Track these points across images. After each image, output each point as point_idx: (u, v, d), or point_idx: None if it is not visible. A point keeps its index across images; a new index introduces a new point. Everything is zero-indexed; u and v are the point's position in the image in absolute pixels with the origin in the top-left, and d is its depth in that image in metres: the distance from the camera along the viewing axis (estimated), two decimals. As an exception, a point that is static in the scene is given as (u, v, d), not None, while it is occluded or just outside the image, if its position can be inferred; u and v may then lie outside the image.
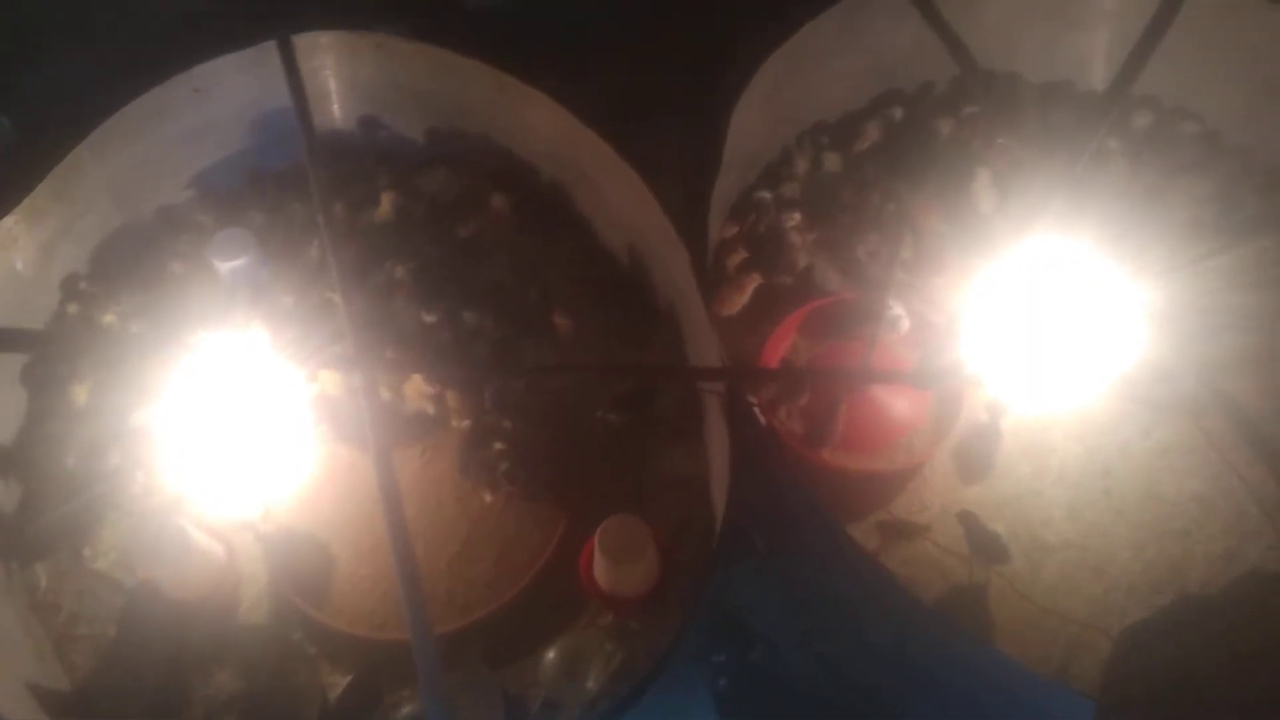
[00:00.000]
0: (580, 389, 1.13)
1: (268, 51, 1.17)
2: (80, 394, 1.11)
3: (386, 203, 1.21)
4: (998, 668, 0.86)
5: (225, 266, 1.14)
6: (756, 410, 0.97)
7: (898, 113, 1.32)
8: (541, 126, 1.18)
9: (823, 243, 1.25)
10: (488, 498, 1.08)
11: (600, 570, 1.00)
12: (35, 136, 1.20)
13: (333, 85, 1.26)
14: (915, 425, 1.16)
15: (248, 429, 0.98)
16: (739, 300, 1.23)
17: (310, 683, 0.99)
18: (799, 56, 1.17)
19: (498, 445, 1.10)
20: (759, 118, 1.19)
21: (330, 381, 1.09)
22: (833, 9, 1.15)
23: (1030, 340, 1.13)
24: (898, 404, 1.13)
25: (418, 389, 1.08)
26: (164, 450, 1.01)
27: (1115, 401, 1.14)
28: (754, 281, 1.22)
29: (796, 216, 1.24)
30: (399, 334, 1.13)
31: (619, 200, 1.14)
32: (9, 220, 1.05)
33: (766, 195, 1.27)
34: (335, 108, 1.28)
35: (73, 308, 1.16)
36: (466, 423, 1.10)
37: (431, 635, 0.79)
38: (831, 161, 1.29)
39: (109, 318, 1.16)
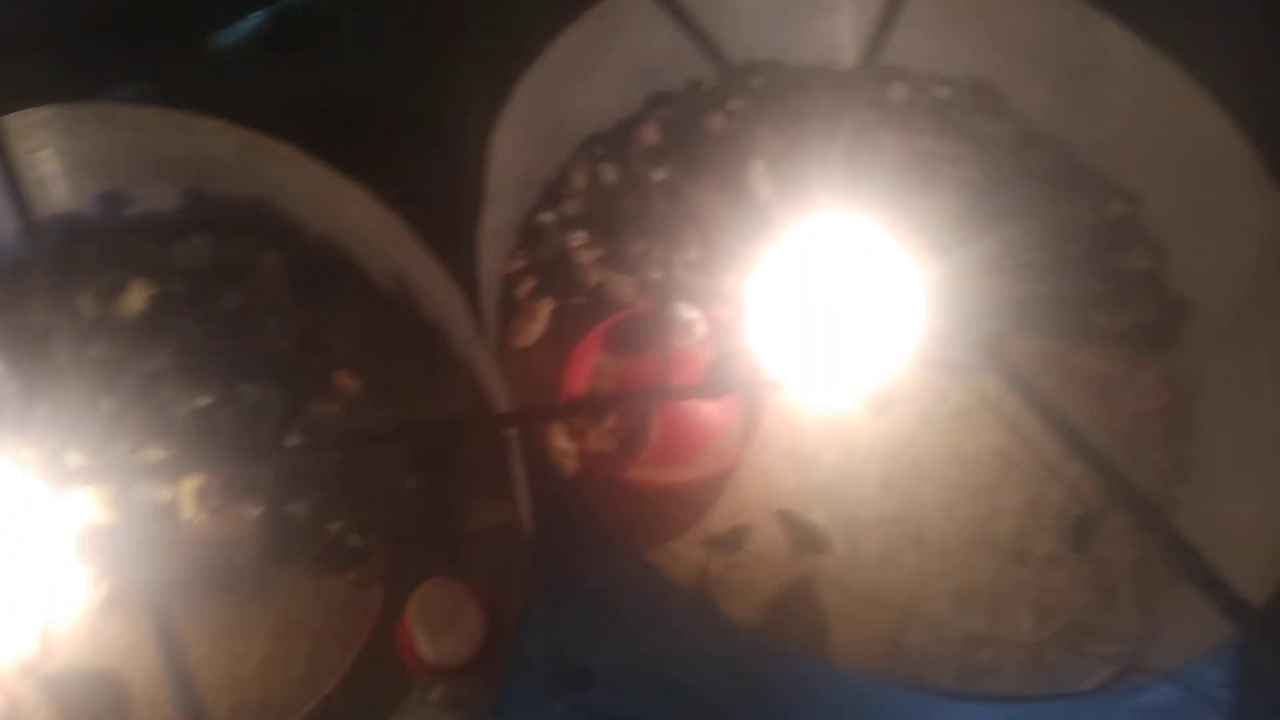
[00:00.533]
0: (379, 453, 1.08)
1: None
2: None
3: (137, 290, 1.12)
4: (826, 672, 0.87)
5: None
6: (549, 448, 0.94)
7: (667, 113, 1.31)
8: (295, 180, 1.11)
9: (611, 257, 1.23)
10: (294, 585, 1.01)
11: (421, 642, 0.95)
12: None
13: (60, 164, 1.16)
14: (724, 427, 1.15)
15: (7, 562, 0.89)
16: (534, 329, 1.20)
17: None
18: (554, 72, 1.14)
19: (297, 522, 1.03)
20: (523, 139, 1.15)
21: (97, 496, 1.00)
22: (577, 23, 1.12)
23: (820, 323, 1.14)
24: (704, 408, 1.12)
25: (193, 489, 1.01)
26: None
27: (911, 371, 1.17)
28: (546, 307, 1.19)
29: (580, 235, 1.22)
30: (170, 427, 1.05)
31: (389, 247, 1.09)
32: None
33: (549, 217, 1.24)
34: (68, 188, 1.18)
35: None
36: (257, 510, 1.03)
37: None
38: (609, 172, 1.27)
39: None
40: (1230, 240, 1.07)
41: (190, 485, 1.03)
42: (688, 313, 1.17)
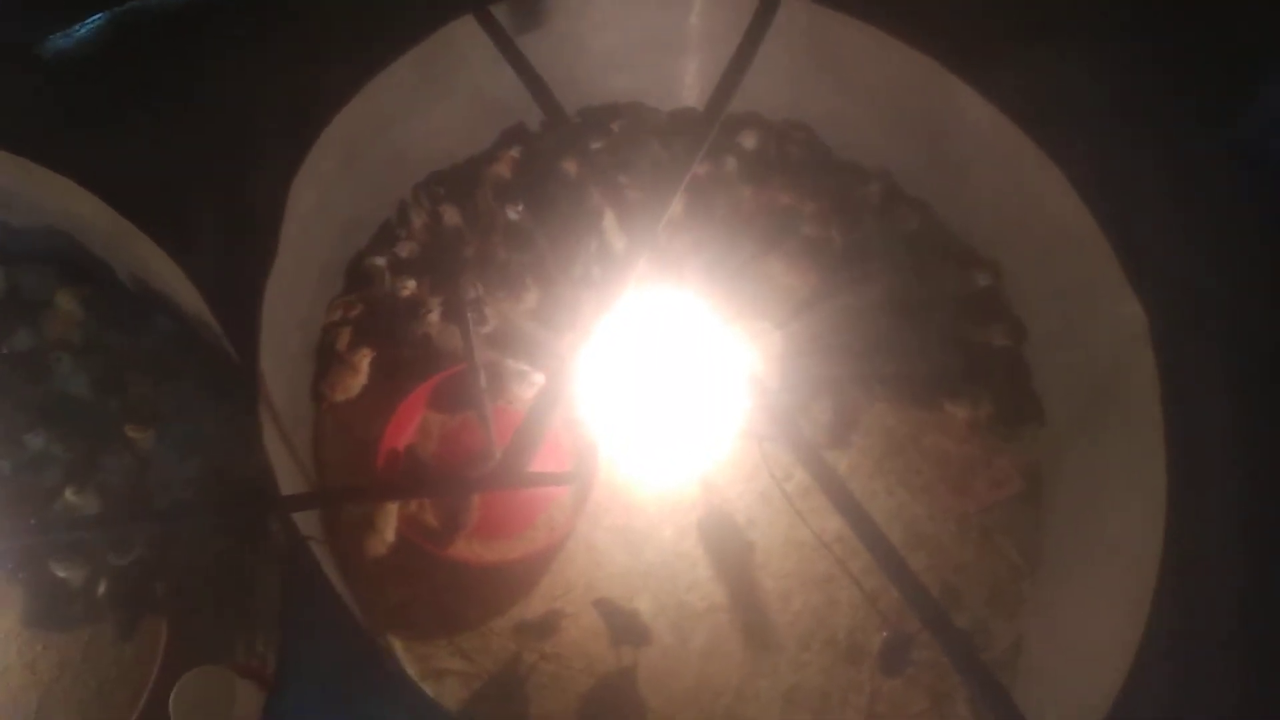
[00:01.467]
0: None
1: None
2: None
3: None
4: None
5: None
6: (313, 545, 0.85)
7: (519, 152, 1.23)
8: (87, 214, 1.01)
9: (445, 304, 1.14)
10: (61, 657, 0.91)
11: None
12: None
13: None
14: (552, 499, 1.07)
15: None
16: (355, 381, 1.11)
17: None
18: (377, 109, 1.05)
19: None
20: (342, 180, 1.06)
21: None
22: (403, 59, 1.03)
23: (657, 394, 1.07)
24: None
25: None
26: None
27: (752, 446, 1.09)
28: (365, 358, 1.10)
29: (411, 284, 1.13)
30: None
31: (182, 292, 0.99)
32: None
33: (379, 261, 1.15)
34: None
35: None
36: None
37: None
38: (451, 213, 1.18)
39: None
40: (1086, 326, 1.01)
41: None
42: (519, 371, 1.10)
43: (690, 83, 1.26)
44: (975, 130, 1.04)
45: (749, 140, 1.22)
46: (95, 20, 1.36)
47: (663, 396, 1.04)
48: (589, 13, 1.18)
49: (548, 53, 1.11)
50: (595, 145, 1.23)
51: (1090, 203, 0.94)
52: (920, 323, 1.13)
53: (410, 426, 1.10)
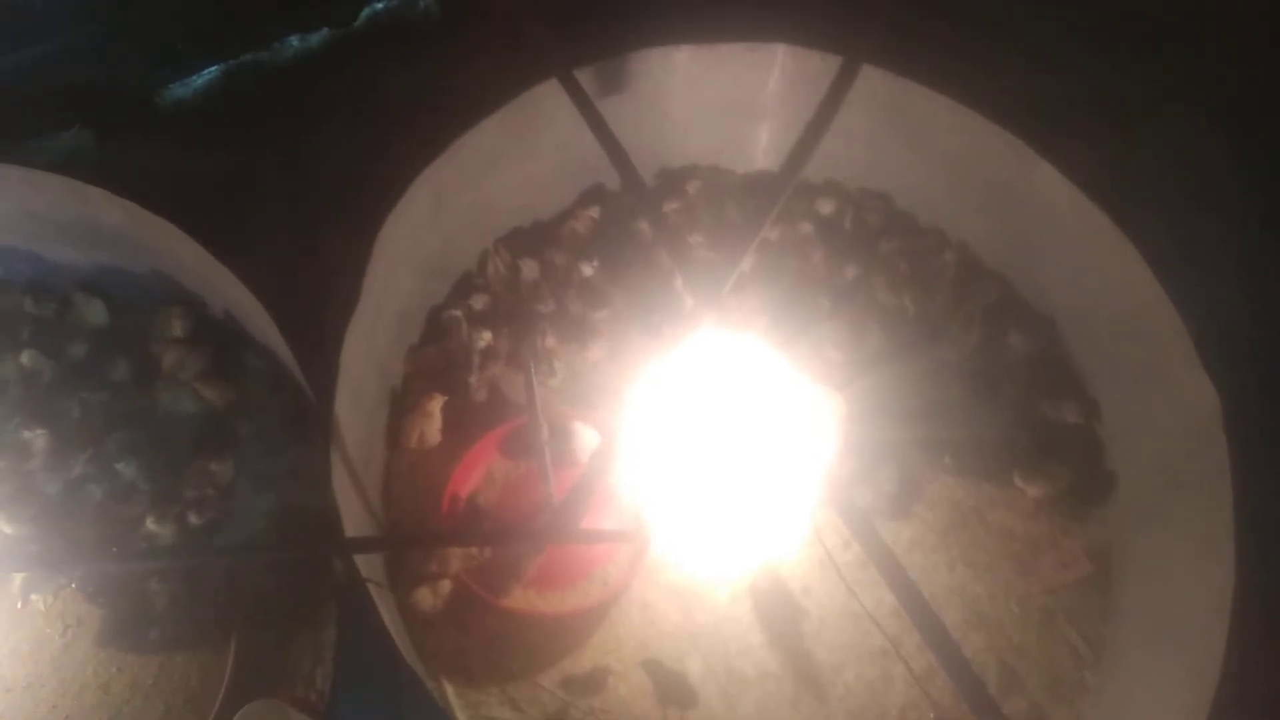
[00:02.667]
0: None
1: None
2: None
3: (27, 357, 1.08)
4: None
5: None
6: (372, 587, 0.87)
7: (598, 211, 1.26)
8: (185, 257, 1.07)
9: (515, 355, 1.18)
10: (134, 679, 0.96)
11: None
12: None
13: (-42, 220, 1.13)
14: (610, 554, 1.08)
15: None
16: (431, 429, 1.14)
17: None
18: (462, 167, 1.09)
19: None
20: (427, 231, 1.11)
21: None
22: (493, 117, 1.08)
23: (718, 452, 1.07)
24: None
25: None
26: None
27: (811, 512, 1.08)
28: (438, 403, 1.13)
29: (487, 335, 1.17)
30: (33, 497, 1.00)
31: (268, 333, 1.04)
32: None
33: (457, 313, 1.19)
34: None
35: None
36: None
37: None
38: (529, 269, 1.22)
39: None
40: (1159, 407, 0.98)
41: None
42: (582, 426, 1.12)
43: (767, 147, 1.28)
44: (1052, 205, 1.03)
45: (824, 206, 1.23)
46: (210, 72, 1.46)
47: (722, 457, 1.04)
48: (669, 78, 1.21)
49: (628, 116, 1.15)
50: (669, 206, 1.25)
51: (1165, 283, 0.92)
52: (991, 394, 1.11)
53: (475, 475, 1.12)
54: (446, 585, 1.01)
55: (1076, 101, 1.25)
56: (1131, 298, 0.97)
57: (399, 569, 1.04)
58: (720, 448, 1.05)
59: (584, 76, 1.11)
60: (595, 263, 1.21)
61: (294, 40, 1.49)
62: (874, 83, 1.11)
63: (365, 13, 1.49)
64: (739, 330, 1.07)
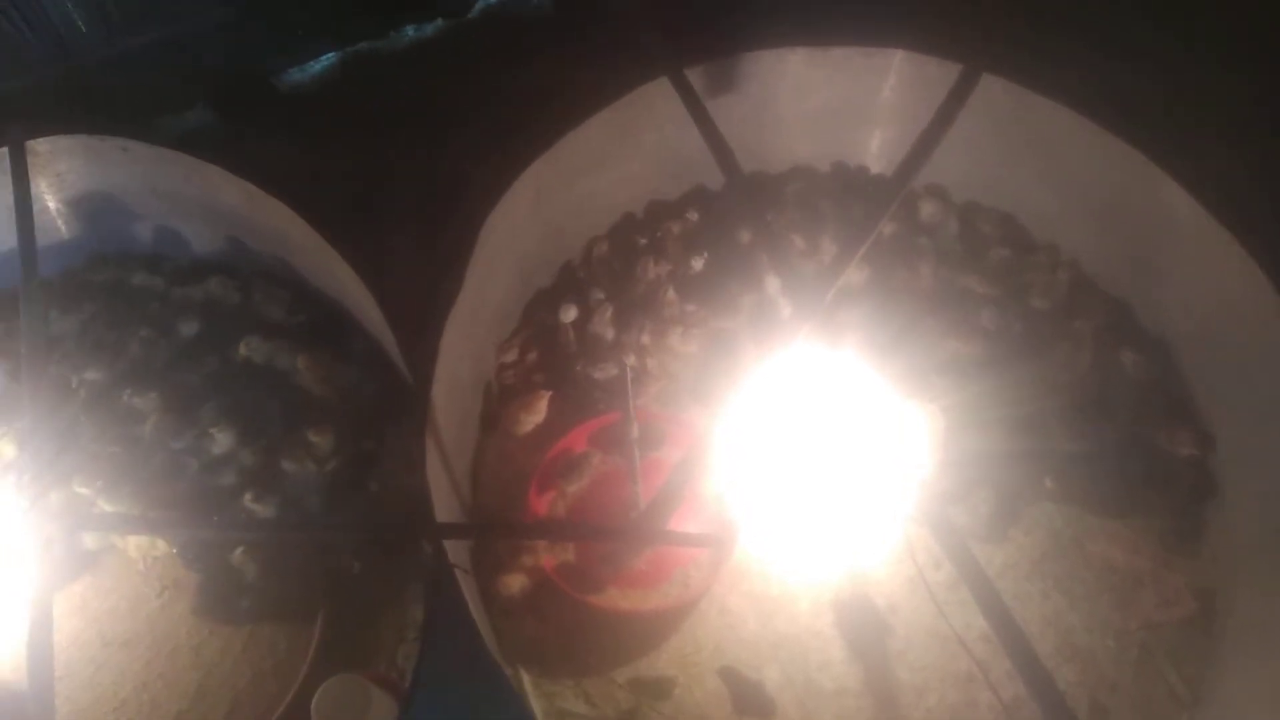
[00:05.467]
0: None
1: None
2: None
3: (143, 327, 1.13)
4: None
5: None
6: (458, 572, 0.88)
7: (698, 208, 1.26)
8: (296, 238, 1.10)
9: (613, 347, 1.18)
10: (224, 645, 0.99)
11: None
12: None
13: (86, 191, 1.19)
14: (693, 555, 1.07)
15: None
16: (528, 418, 1.15)
17: None
18: (569, 161, 1.10)
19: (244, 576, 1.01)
20: (530, 224, 1.12)
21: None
22: (600, 114, 1.08)
23: (802, 466, 1.05)
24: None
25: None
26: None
27: (902, 528, 1.06)
28: (543, 399, 1.14)
29: (586, 327, 1.17)
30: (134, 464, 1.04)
31: (372, 316, 1.06)
32: None
33: (559, 304, 1.19)
34: (89, 215, 1.20)
35: None
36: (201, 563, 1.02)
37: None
38: (630, 267, 1.22)
39: None
40: (1281, 447, 0.93)
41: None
42: (674, 425, 1.11)
43: (877, 154, 1.26)
44: (1174, 225, 0.99)
45: (933, 216, 1.20)
46: (328, 58, 1.50)
47: (813, 466, 1.02)
48: (780, 81, 1.20)
49: (736, 117, 1.14)
50: (772, 209, 1.24)
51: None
52: (1099, 418, 1.07)
53: (563, 467, 1.12)
54: (530, 575, 1.01)
55: (1204, 118, 1.19)
56: (1257, 327, 0.92)
57: (483, 555, 1.05)
58: (813, 457, 1.03)
59: (694, 76, 1.10)
60: (701, 260, 1.20)
61: (410, 30, 1.53)
62: (993, 92, 1.08)
63: (480, 5, 1.51)
64: (837, 340, 1.06)
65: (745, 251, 1.22)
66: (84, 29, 1.27)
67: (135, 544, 1.03)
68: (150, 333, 1.13)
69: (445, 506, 0.94)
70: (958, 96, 0.99)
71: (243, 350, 1.12)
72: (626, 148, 1.18)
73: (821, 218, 1.22)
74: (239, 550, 1.01)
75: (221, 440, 1.08)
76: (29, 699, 0.76)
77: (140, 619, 1.03)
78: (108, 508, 1.02)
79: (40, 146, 1.11)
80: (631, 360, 1.16)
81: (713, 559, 1.06)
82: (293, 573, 1.01)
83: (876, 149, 1.26)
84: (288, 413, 1.09)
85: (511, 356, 1.18)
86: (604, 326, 1.19)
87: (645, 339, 1.18)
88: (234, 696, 0.99)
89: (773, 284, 1.17)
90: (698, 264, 1.22)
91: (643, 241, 1.26)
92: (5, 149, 1.09)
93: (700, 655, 1.02)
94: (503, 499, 1.12)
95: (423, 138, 1.31)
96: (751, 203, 1.14)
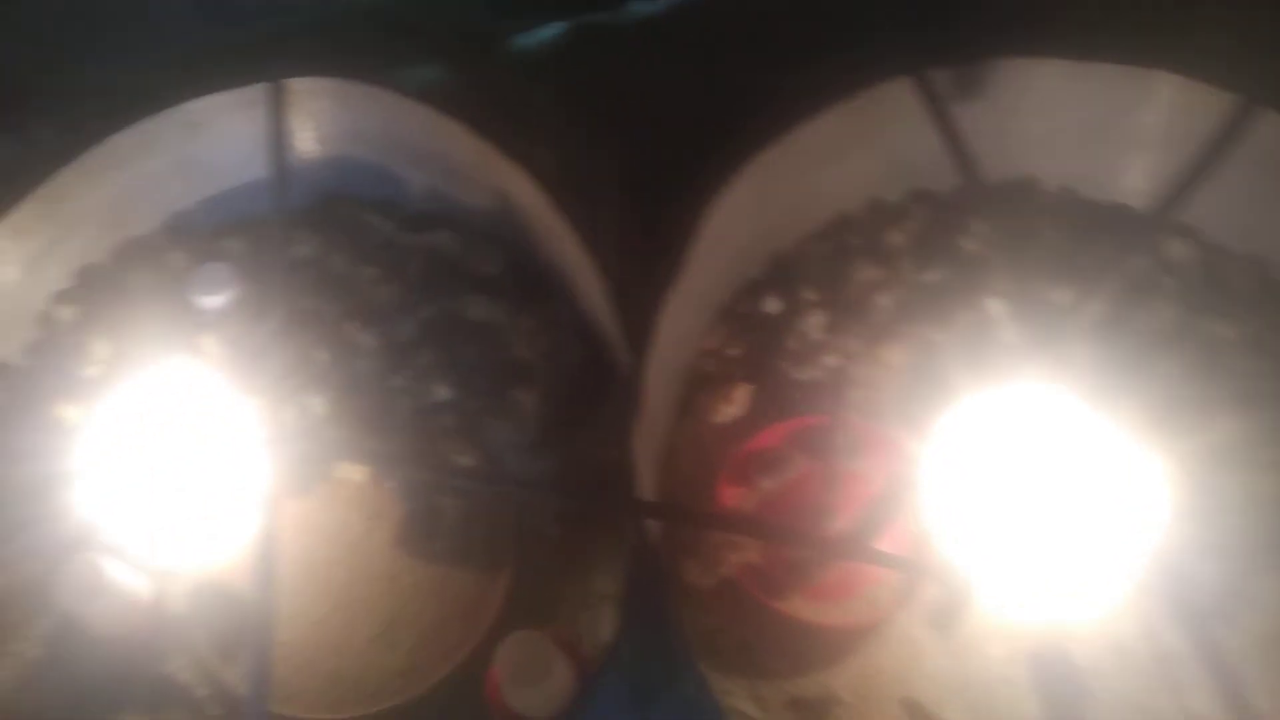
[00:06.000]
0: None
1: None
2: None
3: (377, 266, 1.17)
4: None
5: (204, 302, 1.11)
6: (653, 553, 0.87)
7: (921, 215, 1.21)
8: (524, 201, 1.11)
9: (820, 351, 1.15)
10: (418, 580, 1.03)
11: (506, 691, 0.92)
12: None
13: (332, 132, 1.23)
14: (881, 575, 1.03)
15: (196, 472, 0.94)
16: (728, 409, 1.13)
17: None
18: (797, 154, 1.08)
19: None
20: (749, 215, 1.10)
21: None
22: (830, 113, 1.06)
23: (1017, 505, 0.99)
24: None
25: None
26: (95, 482, 0.96)
27: (1123, 588, 0.98)
28: (744, 392, 1.12)
29: (797, 323, 1.14)
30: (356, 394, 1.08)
31: (589, 289, 1.07)
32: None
33: (767, 295, 1.17)
34: (332, 155, 1.25)
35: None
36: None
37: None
38: (853, 266, 1.18)
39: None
40: None
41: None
42: (883, 440, 1.07)
43: (1127, 183, 1.18)
44: None
45: (1187, 258, 1.12)
46: (557, 27, 1.51)
47: (1029, 508, 0.96)
48: (1028, 92, 1.14)
49: (976, 125, 1.08)
50: (1007, 225, 1.17)
51: None
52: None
53: (758, 464, 1.10)
54: (717, 568, 1.00)
55: None
56: None
57: (673, 538, 1.04)
58: (1030, 498, 0.97)
59: (938, 79, 1.06)
60: (915, 270, 1.15)
61: (640, 4, 1.52)
62: (1271, 128, 0.99)
63: (713, -13, 1.49)
64: (1067, 377, 0.99)
65: (968, 263, 1.17)
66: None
67: (349, 470, 1.06)
68: (376, 273, 1.17)
69: (644, 485, 0.93)
70: (1231, 130, 0.92)
71: (464, 304, 1.14)
72: (855, 146, 1.15)
73: (1060, 244, 1.15)
74: (441, 495, 1.03)
75: (435, 387, 1.11)
76: (252, 603, 0.79)
77: (343, 544, 1.06)
78: (331, 432, 1.06)
79: (298, 85, 1.16)
80: (835, 364, 1.13)
81: (903, 584, 1.02)
82: (489, 525, 1.03)
83: (1130, 176, 1.17)
84: (497, 370, 1.10)
85: (714, 344, 1.16)
86: (812, 326, 1.15)
87: (852, 344, 1.14)
88: (420, 633, 1.01)
89: (996, 305, 1.11)
90: (916, 271, 1.17)
91: (858, 243, 1.22)
92: (263, 85, 1.14)
93: (880, 679, 0.98)
94: (688, 486, 1.11)
95: (652, 117, 1.31)
96: (989, 216, 1.09)
